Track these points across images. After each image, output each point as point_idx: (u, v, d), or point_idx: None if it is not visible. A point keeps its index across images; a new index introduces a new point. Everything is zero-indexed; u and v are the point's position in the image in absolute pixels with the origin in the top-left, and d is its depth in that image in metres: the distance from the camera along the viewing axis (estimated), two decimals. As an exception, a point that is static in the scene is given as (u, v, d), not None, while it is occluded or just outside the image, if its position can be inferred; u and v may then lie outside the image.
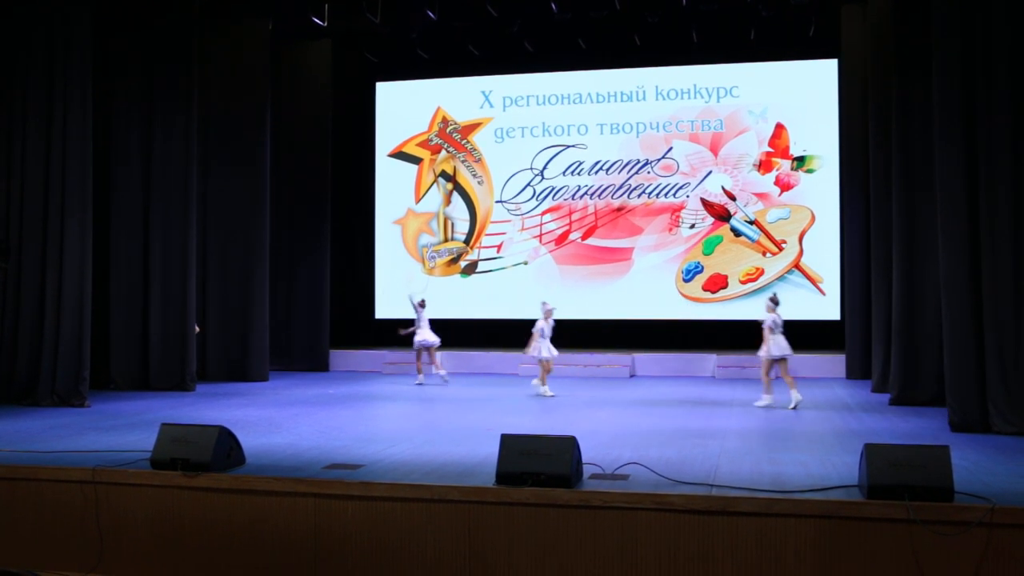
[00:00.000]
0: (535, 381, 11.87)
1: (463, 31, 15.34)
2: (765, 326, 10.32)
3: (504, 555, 5.61)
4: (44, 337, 10.69)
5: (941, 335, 8.94)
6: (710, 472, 6.22)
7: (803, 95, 15.52)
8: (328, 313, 15.51)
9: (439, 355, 13.28)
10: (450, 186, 16.81)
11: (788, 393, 10.35)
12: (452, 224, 16.81)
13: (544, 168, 16.43)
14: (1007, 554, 5.06)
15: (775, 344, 10.25)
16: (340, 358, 15.89)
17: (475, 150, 16.75)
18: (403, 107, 17.14)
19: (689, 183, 15.81)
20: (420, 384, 13.08)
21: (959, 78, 8.44)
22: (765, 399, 10.36)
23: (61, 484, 6.37)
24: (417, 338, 13.07)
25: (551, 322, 11.59)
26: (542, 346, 11.44)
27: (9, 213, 10.83)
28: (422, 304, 13.20)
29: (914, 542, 5.14)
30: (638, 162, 16.05)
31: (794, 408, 10.06)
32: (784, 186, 15.48)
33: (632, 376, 14.57)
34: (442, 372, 13.21)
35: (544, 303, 11.67)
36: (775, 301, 10.44)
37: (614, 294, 15.95)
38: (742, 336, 15.33)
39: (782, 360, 10.25)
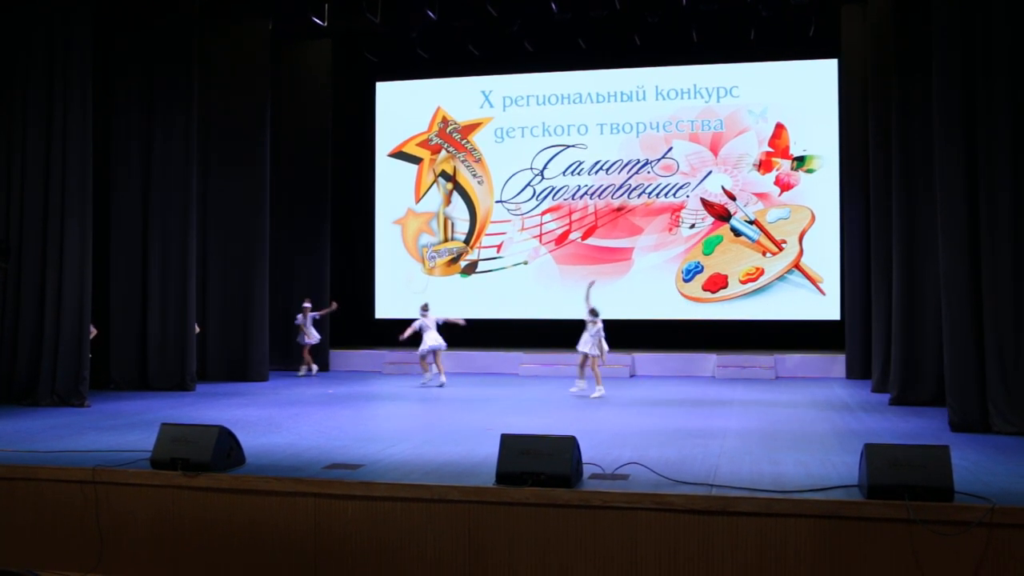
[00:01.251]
0: (428, 377, 13.16)
1: (463, 31, 15.35)
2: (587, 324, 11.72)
3: (504, 555, 5.61)
4: (44, 337, 10.69)
5: (941, 335, 8.93)
6: (710, 472, 6.22)
7: (803, 95, 15.52)
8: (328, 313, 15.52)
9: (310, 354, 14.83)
10: (450, 186, 16.82)
11: (593, 385, 11.67)
12: (452, 224, 16.81)
13: (544, 168, 16.44)
14: (1007, 554, 5.06)
15: (587, 342, 11.59)
16: (340, 358, 15.90)
17: (475, 150, 16.76)
18: (403, 107, 17.14)
19: (689, 183, 15.81)
20: (303, 376, 14.40)
21: (959, 78, 8.44)
22: (579, 385, 11.88)
23: (61, 484, 6.37)
24: (305, 339, 14.47)
25: (431, 319, 13.04)
26: (428, 338, 12.97)
27: (9, 213, 10.83)
28: (309, 305, 14.54)
29: (914, 542, 5.14)
30: (638, 162, 16.06)
31: (574, 390, 11.79)
32: (784, 186, 15.48)
33: (632, 376, 14.57)
34: (313, 368, 14.68)
35: (424, 305, 13.23)
36: (595, 313, 11.60)
37: (614, 294, 15.92)
38: (742, 336, 15.40)
39: (593, 357, 11.59)
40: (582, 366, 11.84)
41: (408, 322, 13.29)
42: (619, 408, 10.38)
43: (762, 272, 15.47)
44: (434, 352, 12.92)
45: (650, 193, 15.96)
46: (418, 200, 16.97)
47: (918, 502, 5.14)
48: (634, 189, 16.03)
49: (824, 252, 15.25)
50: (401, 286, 16.91)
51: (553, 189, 16.39)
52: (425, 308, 13.11)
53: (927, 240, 10.08)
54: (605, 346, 11.61)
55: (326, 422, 9.08)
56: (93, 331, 11.35)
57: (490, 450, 6.35)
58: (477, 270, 16.67)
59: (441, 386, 12.75)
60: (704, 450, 7.19)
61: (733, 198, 15.60)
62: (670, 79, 16.06)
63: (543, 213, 16.41)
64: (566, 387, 12.62)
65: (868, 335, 12.68)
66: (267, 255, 13.95)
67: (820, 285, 15.27)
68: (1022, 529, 5.06)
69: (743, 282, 15.52)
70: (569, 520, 5.55)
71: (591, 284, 12.09)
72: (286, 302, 15.31)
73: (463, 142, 16.82)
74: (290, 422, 9.08)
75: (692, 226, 15.78)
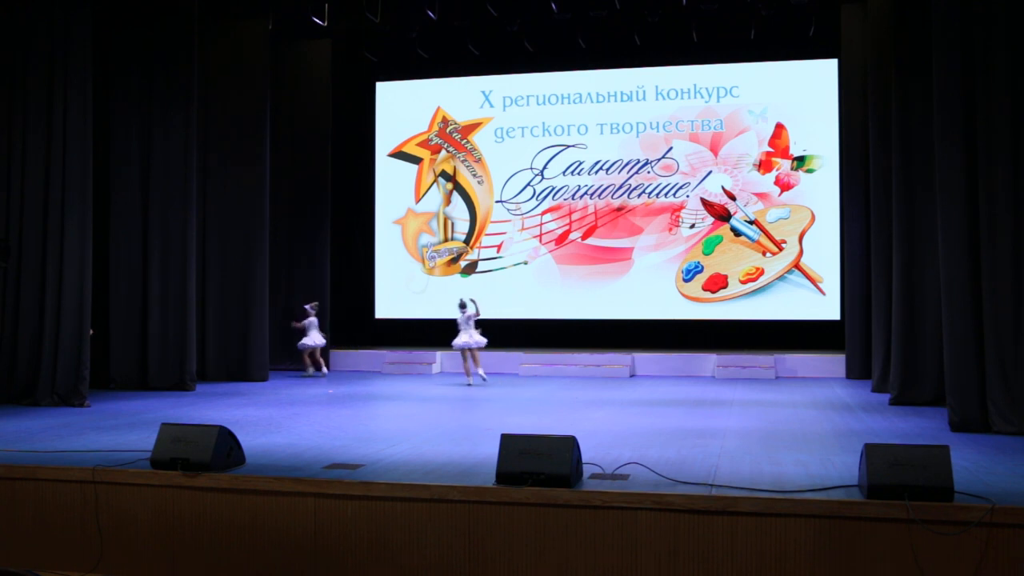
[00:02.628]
0: (311, 370, 14.42)
1: (463, 31, 15.34)
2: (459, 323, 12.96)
3: (504, 555, 5.61)
4: (44, 337, 10.68)
5: (941, 335, 8.93)
6: (710, 472, 6.22)
7: (803, 95, 15.52)
8: (328, 313, 15.50)
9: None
10: (450, 186, 16.82)
11: (477, 374, 13.07)
12: (452, 224, 16.81)
13: (544, 168, 16.44)
14: (1007, 554, 5.06)
15: (462, 337, 12.84)
16: (340, 358, 15.90)
17: (475, 150, 16.75)
18: (403, 107, 17.14)
19: (689, 183, 15.81)
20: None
21: (959, 78, 8.44)
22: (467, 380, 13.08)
23: (61, 484, 6.37)
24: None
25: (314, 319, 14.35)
26: (316, 335, 14.32)
27: (9, 213, 10.82)
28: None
29: (914, 542, 5.14)
30: (638, 162, 16.06)
31: (469, 384, 12.96)
32: (784, 186, 15.48)
33: (632, 376, 14.56)
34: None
35: (314, 304, 14.46)
36: (463, 306, 12.91)
37: (614, 294, 15.95)
38: (742, 336, 15.40)
39: (471, 351, 12.92)
40: (465, 360, 12.99)
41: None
42: (619, 408, 10.38)
43: (762, 272, 15.47)
44: (317, 348, 14.35)
45: (650, 193, 15.97)
46: (418, 200, 16.97)
47: (918, 502, 5.15)
48: (634, 189, 16.03)
49: (824, 252, 15.25)
50: (401, 286, 16.91)
51: (553, 189, 16.39)
52: (314, 305, 14.45)
53: (927, 240, 10.07)
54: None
55: (326, 422, 9.08)
56: (90, 331, 11.36)
57: (490, 450, 6.35)
58: (477, 270, 16.67)
59: (323, 376, 14.32)
60: (704, 450, 7.19)
61: (733, 198, 15.60)
62: (670, 79, 16.06)
63: (543, 213, 16.41)
64: (566, 387, 12.64)
65: (868, 335, 12.68)
66: (267, 255, 13.94)
67: (820, 285, 15.27)
68: (1022, 529, 5.06)
69: (743, 282, 15.52)
70: (569, 520, 5.55)
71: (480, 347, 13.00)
72: (286, 302, 15.31)
73: (463, 142, 16.82)
74: (290, 422, 9.07)
75: (692, 226, 15.78)
